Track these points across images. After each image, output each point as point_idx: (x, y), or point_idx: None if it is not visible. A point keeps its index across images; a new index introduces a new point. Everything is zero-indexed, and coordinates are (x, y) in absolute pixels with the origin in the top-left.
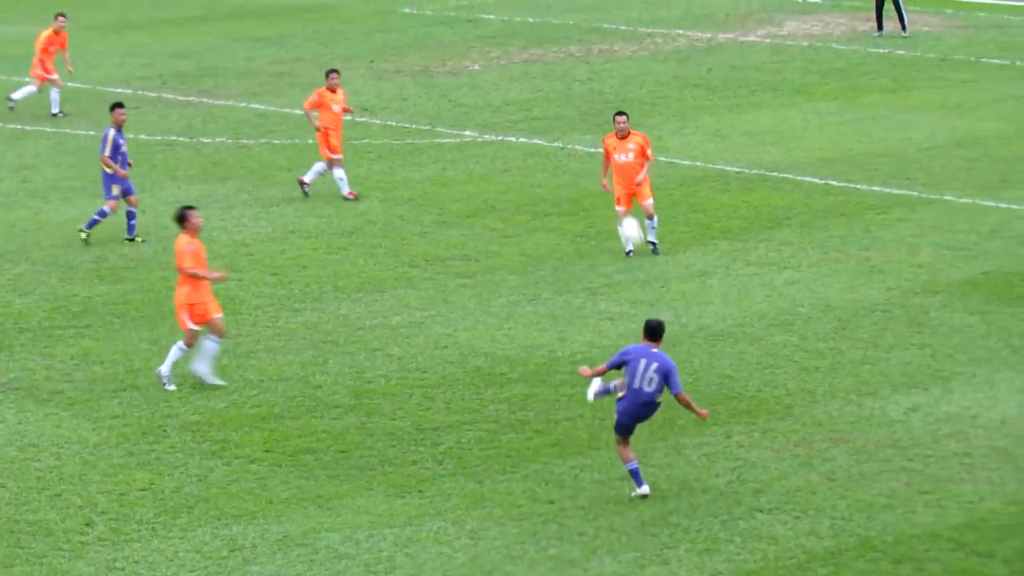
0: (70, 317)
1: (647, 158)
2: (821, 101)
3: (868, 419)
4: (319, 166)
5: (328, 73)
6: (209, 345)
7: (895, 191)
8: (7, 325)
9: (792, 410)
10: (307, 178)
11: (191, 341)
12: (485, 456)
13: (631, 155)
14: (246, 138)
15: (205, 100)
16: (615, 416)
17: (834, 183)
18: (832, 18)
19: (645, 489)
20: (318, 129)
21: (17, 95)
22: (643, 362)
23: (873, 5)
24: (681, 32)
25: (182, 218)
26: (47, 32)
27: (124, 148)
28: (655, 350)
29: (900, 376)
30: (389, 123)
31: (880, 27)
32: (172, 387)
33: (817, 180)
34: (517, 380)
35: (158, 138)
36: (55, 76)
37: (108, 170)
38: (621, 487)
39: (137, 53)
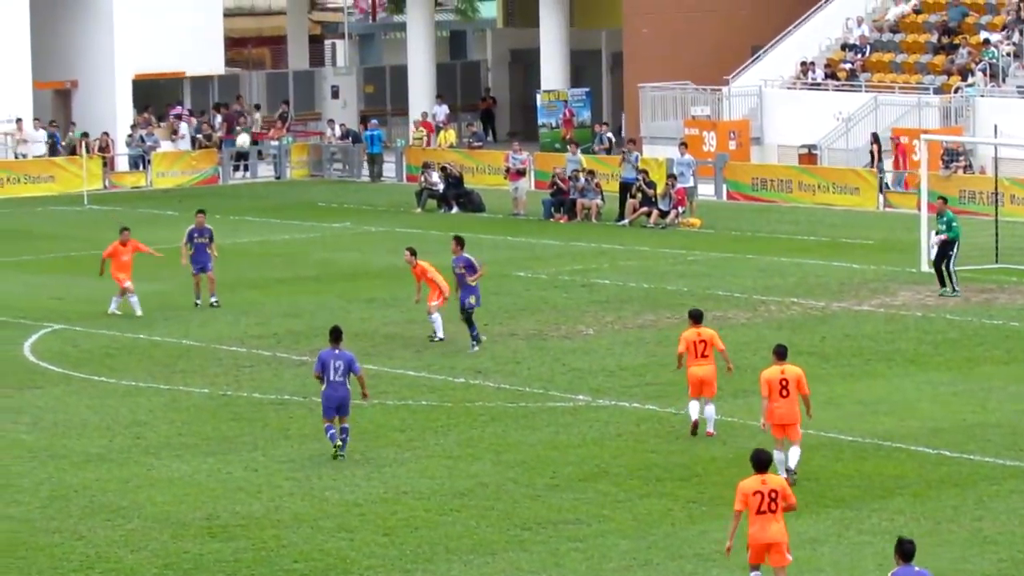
0: (181, 574)
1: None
2: (934, 371)
3: None
4: None
5: None
6: None
7: (1008, 462)
8: None
9: None
10: None
11: None
12: None
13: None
14: (359, 398)
15: None
16: None
17: (947, 453)
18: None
19: None
20: None
21: (439, 333)
22: None
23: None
24: (795, 300)
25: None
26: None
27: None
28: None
29: None
30: (503, 386)
31: (942, 283)
32: None
33: (930, 450)
34: None
35: (271, 396)
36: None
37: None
38: None
39: (251, 312)
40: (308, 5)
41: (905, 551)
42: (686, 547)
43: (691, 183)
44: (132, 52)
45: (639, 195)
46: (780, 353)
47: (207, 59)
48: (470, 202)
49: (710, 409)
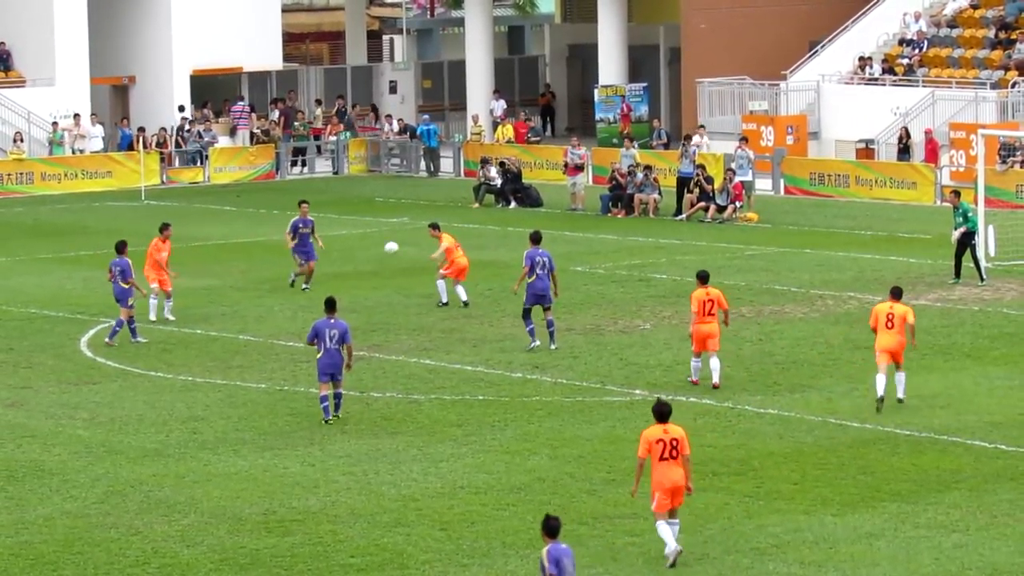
0: (238, 569)
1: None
2: (991, 365)
3: None
4: None
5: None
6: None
7: None
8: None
9: None
10: None
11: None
12: None
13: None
14: (416, 393)
15: (376, 355)
16: None
17: (1004, 447)
18: (1003, 283)
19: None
20: None
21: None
22: None
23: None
24: (852, 295)
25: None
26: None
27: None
28: None
29: None
30: (560, 380)
31: (957, 275)
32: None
33: (987, 444)
34: None
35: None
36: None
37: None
38: None
39: (309, 307)
40: (366, 1)
41: (550, 527)
42: (743, 541)
43: (749, 178)
44: (189, 47)
45: (697, 190)
46: (896, 293)
47: (265, 54)
48: (528, 197)
49: (715, 362)
